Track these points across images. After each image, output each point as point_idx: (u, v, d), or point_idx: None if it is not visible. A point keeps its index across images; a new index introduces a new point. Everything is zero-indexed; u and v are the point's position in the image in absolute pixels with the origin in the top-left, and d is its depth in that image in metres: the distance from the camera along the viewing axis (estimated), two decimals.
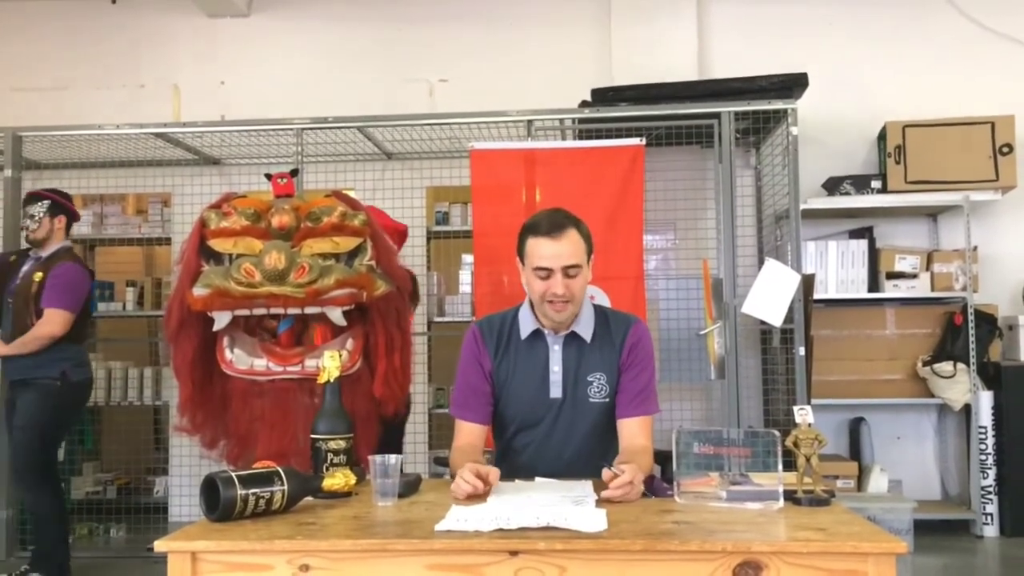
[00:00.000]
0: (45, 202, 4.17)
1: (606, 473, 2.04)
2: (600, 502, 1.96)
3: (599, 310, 2.52)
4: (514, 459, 2.49)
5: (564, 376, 2.44)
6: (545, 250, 2.34)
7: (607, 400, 2.44)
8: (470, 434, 2.46)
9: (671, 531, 1.75)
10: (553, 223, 2.36)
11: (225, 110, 5.47)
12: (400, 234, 4.00)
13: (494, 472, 2.08)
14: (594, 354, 2.45)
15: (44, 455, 4.08)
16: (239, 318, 2.87)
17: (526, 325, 2.47)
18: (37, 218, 4.13)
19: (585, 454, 2.41)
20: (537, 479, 2.27)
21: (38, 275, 4.07)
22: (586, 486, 2.12)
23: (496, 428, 2.56)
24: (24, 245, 4.29)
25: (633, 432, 2.40)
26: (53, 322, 3.97)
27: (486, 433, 2.51)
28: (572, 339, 2.46)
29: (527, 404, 2.46)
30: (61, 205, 4.21)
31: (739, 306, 4.52)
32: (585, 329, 2.45)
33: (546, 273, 2.34)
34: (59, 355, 4.04)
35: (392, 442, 3.52)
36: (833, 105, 5.37)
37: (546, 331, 2.46)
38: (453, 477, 2.33)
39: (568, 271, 2.33)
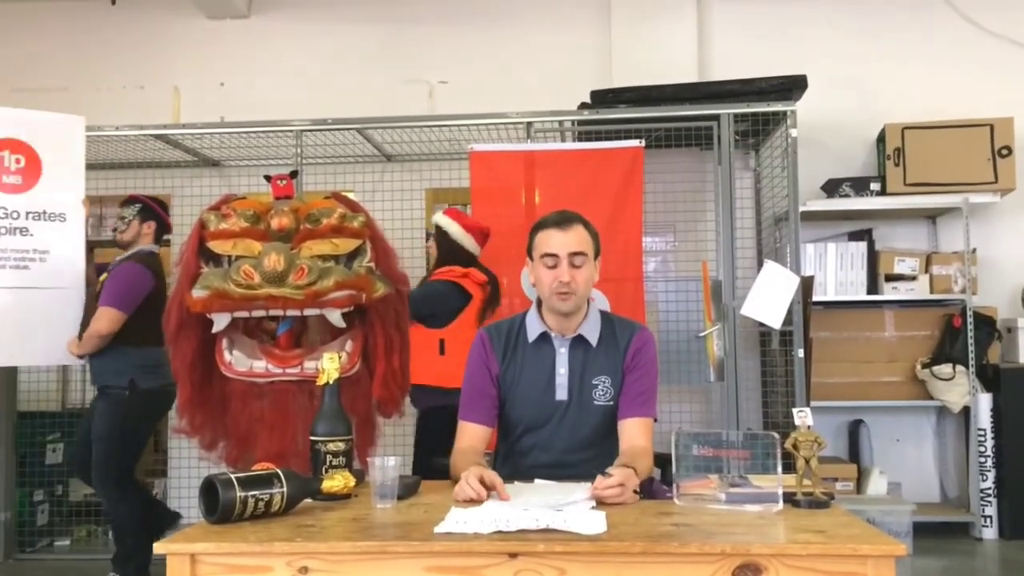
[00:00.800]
0: (137, 205, 4.14)
1: (599, 480, 2.05)
2: (599, 504, 1.96)
3: (605, 316, 2.58)
4: (518, 460, 2.52)
5: (570, 379, 2.48)
6: (553, 239, 2.44)
7: (611, 403, 2.47)
8: (472, 436, 2.49)
9: (670, 533, 1.75)
10: (562, 217, 2.49)
11: (225, 112, 5.47)
12: (482, 233, 4.03)
13: (500, 484, 2.08)
14: (599, 357, 2.49)
15: (118, 466, 4.01)
16: (238, 320, 2.86)
17: (533, 328, 2.53)
18: (127, 220, 4.11)
19: (589, 456, 2.43)
20: (536, 481, 2.28)
21: (104, 275, 4.06)
22: (586, 489, 2.12)
23: (501, 430, 2.60)
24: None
25: (634, 433, 2.42)
26: (100, 319, 3.90)
27: (489, 436, 2.54)
28: (578, 342, 2.50)
29: (533, 406, 2.49)
30: (153, 211, 4.18)
31: (738, 308, 4.52)
32: (591, 333, 2.50)
33: (553, 260, 2.42)
34: (126, 362, 3.97)
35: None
36: (832, 107, 5.37)
37: (553, 334, 2.51)
38: (454, 480, 2.35)
39: (574, 259, 2.41)
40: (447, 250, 4.00)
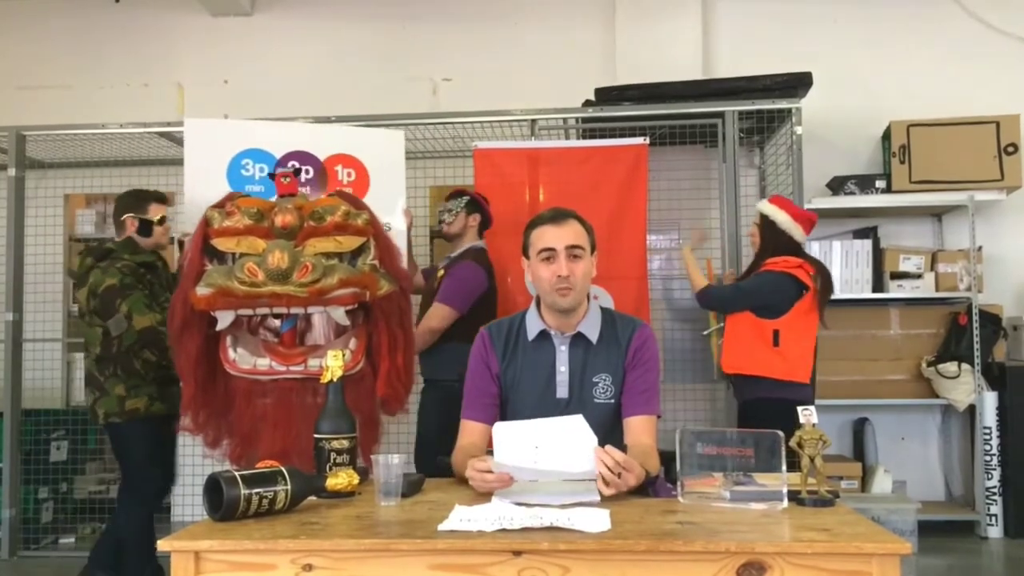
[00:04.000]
0: (464, 198, 4.13)
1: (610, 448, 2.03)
2: (603, 502, 1.96)
3: (606, 312, 2.56)
4: None
5: (571, 377, 2.47)
6: (548, 234, 2.44)
7: (612, 401, 2.46)
8: (473, 433, 2.49)
9: (675, 531, 1.75)
10: (556, 213, 2.49)
11: (229, 109, 5.47)
12: (810, 222, 3.95)
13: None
14: (600, 355, 2.48)
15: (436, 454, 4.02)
16: (242, 317, 2.87)
17: (533, 327, 2.52)
18: (454, 212, 4.10)
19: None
20: (538, 422, 2.24)
21: (441, 272, 4.07)
22: (590, 486, 2.11)
23: None
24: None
25: (639, 430, 2.41)
26: (431, 316, 3.91)
27: (490, 434, 2.52)
28: (579, 340, 2.49)
29: (534, 404, 2.48)
30: (478, 204, 4.17)
31: None
32: (591, 330, 2.49)
33: (550, 254, 2.41)
34: (456, 356, 3.93)
35: None
36: (837, 104, 5.36)
37: (553, 332, 2.49)
38: (457, 477, 2.35)
39: (572, 252, 2.41)
40: (772, 239, 3.90)
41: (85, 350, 3.87)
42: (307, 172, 3.82)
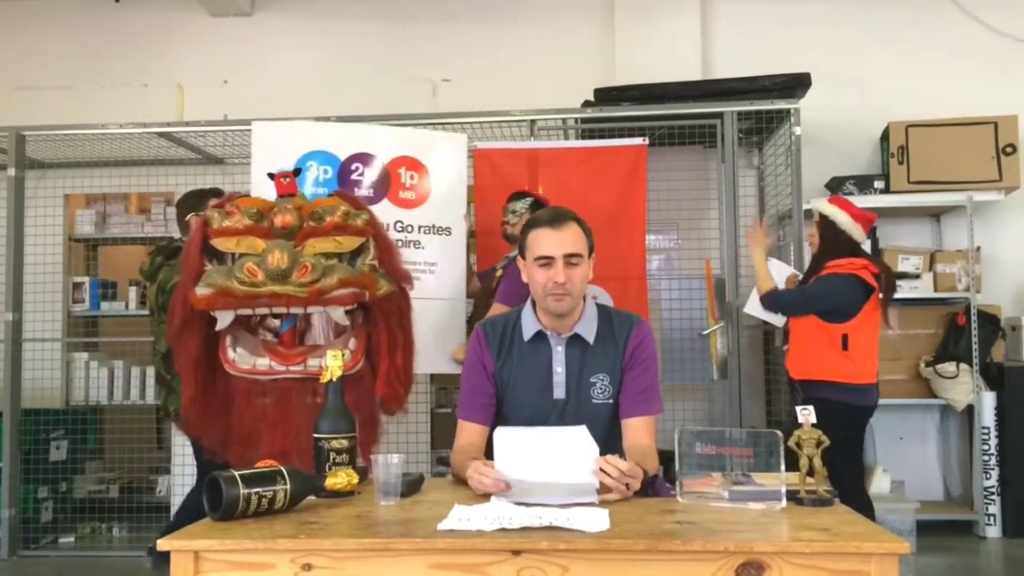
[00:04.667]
0: (529, 199, 4.13)
1: (612, 458, 2.02)
2: (602, 502, 1.96)
3: (602, 310, 2.53)
4: None
5: (567, 377, 2.45)
6: (546, 239, 2.39)
7: (610, 401, 2.44)
8: (471, 434, 2.46)
9: (673, 531, 1.75)
10: (554, 216, 2.43)
11: (228, 109, 5.47)
12: (869, 222, 3.94)
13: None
14: (597, 355, 2.45)
15: None
16: (242, 317, 2.87)
17: (528, 327, 2.49)
18: (518, 214, 4.09)
19: None
20: (539, 429, 2.25)
21: (499, 273, 4.08)
22: (589, 487, 2.12)
23: None
24: None
25: (637, 432, 2.40)
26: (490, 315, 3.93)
27: (487, 434, 2.50)
28: (575, 340, 2.46)
29: (531, 406, 2.46)
30: (543, 205, 4.13)
31: (741, 306, 4.52)
32: (588, 331, 2.46)
33: (547, 261, 2.37)
34: None
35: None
36: (836, 105, 5.37)
37: (549, 333, 2.47)
38: (456, 477, 2.35)
39: (569, 259, 2.37)
40: (832, 240, 3.89)
41: (153, 348, 3.89)
42: (370, 174, 3.86)
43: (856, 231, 3.89)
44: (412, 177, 3.95)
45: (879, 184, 5.18)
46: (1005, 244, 5.38)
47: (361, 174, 3.87)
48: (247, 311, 2.82)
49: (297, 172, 3.19)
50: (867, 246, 4.14)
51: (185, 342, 2.89)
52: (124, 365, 5.48)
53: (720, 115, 4.67)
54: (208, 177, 5.26)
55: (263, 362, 2.82)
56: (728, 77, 5.09)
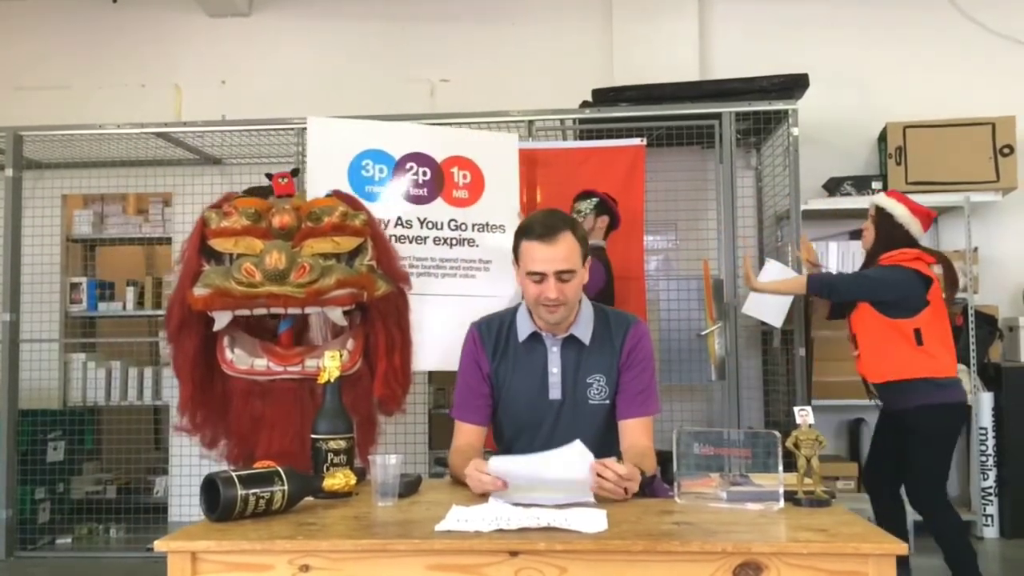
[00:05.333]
0: (594, 199, 4.14)
1: (609, 461, 2.01)
2: (600, 502, 1.96)
3: (599, 310, 2.50)
4: None
5: (563, 378, 2.43)
6: (538, 254, 2.32)
7: (607, 402, 2.43)
8: (468, 435, 2.45)
9: (671, 532, 1.75)
10: (547, 226, 2.33)
11: (226, 110, 5.47)
12: (929, 217, 3.83)
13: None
14: (593, 356, 2.44)
15: None
16: (240, 318, 2.87)
17: (524, 328, 2.46)
18: (583, 214, 4.11)
19: None
20: (531, 455, 2.22)
21: None
22: (587, 487, 2.12)
23: (496, 433, 2.55)
24: None
25: (635, 433, 2.39)
26: None
27: (485, 434, 2.50)
28: (571, 341, 2.44)
29: (526, 406, 2.44)
30: (607, 206, 4.17)
31: (739, 307, 4.52)
32: (584, 331, 2.44)
33: (539, 277, 2.32)
34: None
35: None
36: (834, 106, 5.37)
37: (544, 334, 2.45)
38: (453, 478, 2.35)
39: (561, 276, 2.31)
40: (887, 234, 3.77)
41: None
42: (424, 173, 3.89)
43: (914, 226, 3.75)
44: (465, 176, 3.97)
45: (877, 185, 5.18)
46: (1003, 245, 5.38)
47: (415, 173, 3.89)
48: (245, 311, 2.83)
49: (295, 172, 3.19)
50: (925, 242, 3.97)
51: (183, 342, 2.89)
52: (121, 366, 5.47)
53: (718, 116, 4.67)
54: (206, 178, 5.27)
55: (261, 363, 2.82)
56: (726, 78, 5.09)
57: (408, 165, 3.85)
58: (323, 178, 3.77)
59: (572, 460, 2.01)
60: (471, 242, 3.94)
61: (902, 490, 3.90)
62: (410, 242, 3.82)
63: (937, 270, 3.74)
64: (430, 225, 3.87)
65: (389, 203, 3.80)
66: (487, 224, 4.00)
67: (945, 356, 3.66)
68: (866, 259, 3.90)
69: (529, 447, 2.44)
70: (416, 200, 3.87)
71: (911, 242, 3.75)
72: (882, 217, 3.81)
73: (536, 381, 2.44)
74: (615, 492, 1.98)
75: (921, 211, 3.79)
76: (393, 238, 3.83)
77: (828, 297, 3.94)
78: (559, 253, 2.30)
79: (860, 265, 3.99)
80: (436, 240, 3.87)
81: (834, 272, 4.11)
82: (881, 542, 1.68)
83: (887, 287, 3.67)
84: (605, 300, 4.02)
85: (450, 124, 4.82)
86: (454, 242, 3.84)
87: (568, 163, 4.53)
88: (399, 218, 3.82)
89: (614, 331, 2.45)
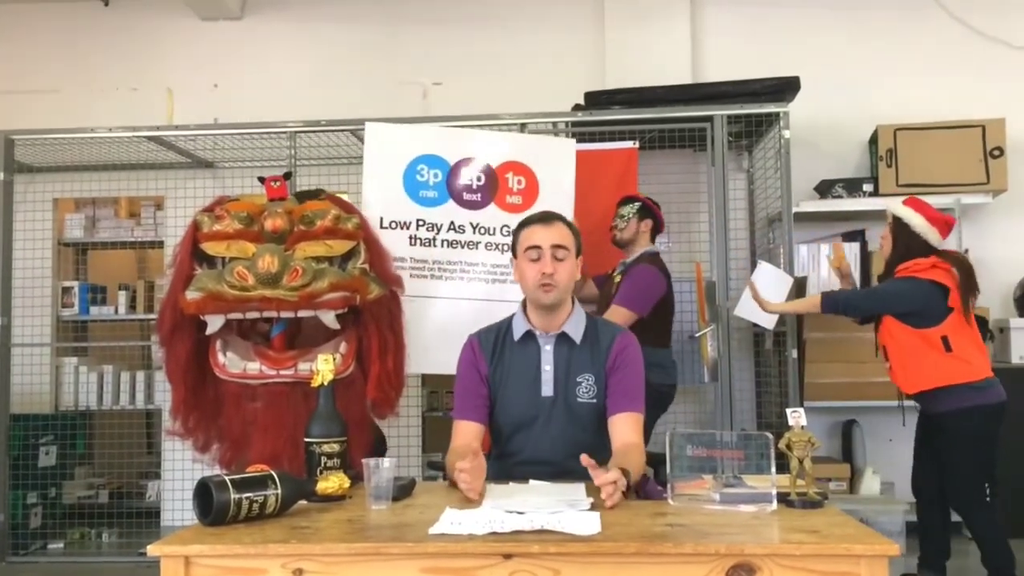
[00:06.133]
0: (637, 204, 4.14)
1: (584, 458, 2.02)
2: (594, 505, 1.97)
3: (590, 316, 2.63)
4: (510, 461, 2.55)
5: (555, 375, 2.52)
6: (535, 233, 2.53)
7: (595, 401, 2.50)
8: (466, 434, 2.51)
9: (664, 534, 1.76)
10: (544, 215, 2.61)
11: (218, 113, 5.47)
12: (948, 225, 3.78)
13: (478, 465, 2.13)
14: (584, 355, 2.53)
15: None
16: (232, 322, 2.86)
17: (519, 328, 2.58)
18: (626, 218, 4.11)
19: (578, 454, 2.41)
20: (531, 482, 2.28)
21: (618, 278, 4.07)
22: (579, 489, 2.12)
23: (493, 433, 2.62)
24: None
25: (624, 429, 2.44)
26: (613, 318, 3.84)
27: (482, 434, 2.55)
28: (563, 340, 2.54)
29: (521, 403, 2.53)
30: (650, 210, 4.17)
31: (732, 309, 4.53)
32: (575, 329, 2.55)
33: (536, 253, 2.49)
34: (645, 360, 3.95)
35: None
36: (825, 109, 5.38)
37: (538, 332, 2.55)
38: (449, 480, 2.36)
39: (557, 252, 2.48)
40: (905, 243, 3.74)
41: None
42: (478, 178, 3.91)
43: (932, 234, 3.71)
44: (520, 182, 3.98)
45: (868, 187, 5.20)
46: (993, 246, 5.40)
47: (470, 178, 3.92)
48: (237, 315, 2.82)
49: (287, 176, 3.19)
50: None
51: (175, 346, 2.89)
52: (114, 370, 5.45)
53: (710, 119, 4.68)
54: (199, 181, 5.26)
55: (254, 366, 2.82)
56: (718, 81, 5.10)
57: (463, 170, 3.88)
58: (378, 183, 3.82)
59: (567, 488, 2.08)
60: None
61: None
62: (462, 247, 3.87)
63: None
64: (483, 231, 3.91)
65: (443, 208, 3.84)
66: None
67: (977, 358, 3.64)
68: (884, 269, 3.90)
69: (524, 446, 2.49)
70: (470, 205, 3.91)
71: (929, 251, 3.71)
72: (899, 227, 3.78)
73: (530, 378, 2.53)
74: (610, 499, 2.00)
75: (940, 219, 3.76)
76: (445, 243, 3.86)
77: (845, 315, 3.96)
78: (555, 232, 2.52)
79: (880, 274, 3.99)
80: (488, 246, 3.89)
81: (856, 285, 4.12)
82: (873, 543, 1.69)
83: (902, 300, 3.67)
84: (667, 310, 4.07)
85: (442, 127, 4.83)
86: (506, 248, 3.84)
87: None
88: (452, 223, 3.86)
89: (602, 336, 2.56)
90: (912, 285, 3.66)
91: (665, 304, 4.09)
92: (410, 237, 3.89)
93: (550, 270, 2.46)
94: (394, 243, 3.96)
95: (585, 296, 4.26)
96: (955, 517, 5.00)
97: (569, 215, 3.99)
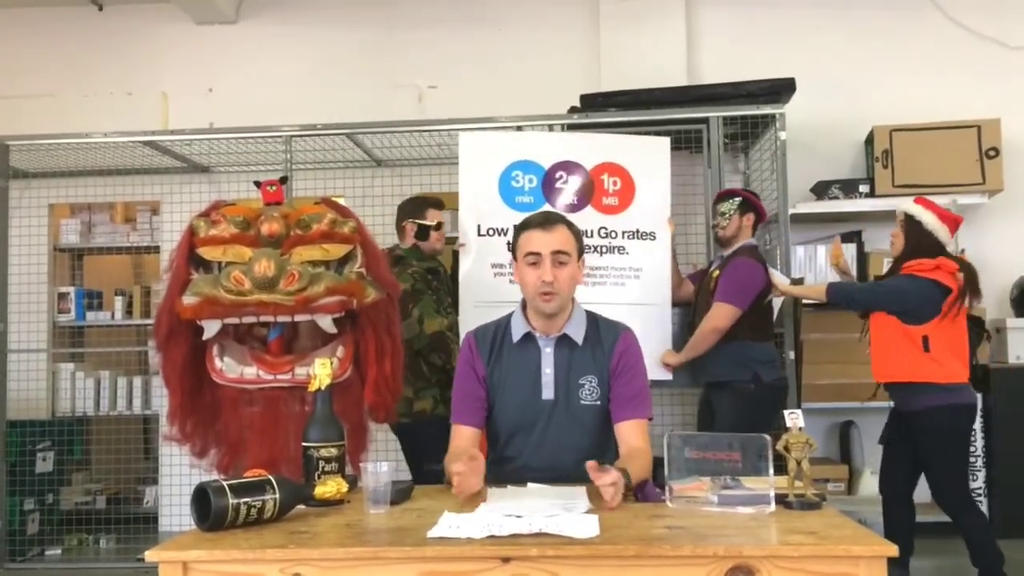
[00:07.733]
0: (736, 199, 4.10)
1: (590, 464, 2.03)
2: (593, 508, 1.96)
3: (591, 315, 2.57)
4: (508, 465, 2.51)
5: (556, 378, 2.48)
6: (536, 238, 2.45)
7: (598, 403, 2.47)
8: (463, 438, 2.50)
9: (663, 536, 1.76)
10: (545, 218, 2.52)
11: (213, 117, 5.46)
12: (956, 223, 3.84)
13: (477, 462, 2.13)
14: (586, 356, 2.49)
15: None
16: (229, 326, 2.86)
17: (518, 329, 2.53)
18: (727, 215, 4.07)
19: (579, 458, 2.40)
20: (529, 485, 2.27)
21: (716, 272, 4.04)
22: (578, 492, 2.12)
23: (490, 435, 2.59)
24: None
25: (631, 435, 2.43)
26: (714, 316, 3.87)
27: (480, 437, 2.54)
28: (563, 341, 2.50)
29: (520, 406, 2.49)
30: (751, 203, 4.14)
31: None
32: (576, 331, 2.50)
33: (536, 258, 2.43)
34: (748, 355, 3.92)
35: None
36: (821, 110, 5.39)
37: (537, 334, 2.51)
38: (448, 483, 2.35)
39: (558, 257, 2.42)
40: (915, 241, 3.81)
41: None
42: (574, 181, 3.91)
43: (942, 232, 3.79)
44: (615, 183, 3.97)
45: (864, 188, 5.21)
46: (989, 247, 5.41)
47: (565, 182, 3.93)
48: (234, 320, 2.82)
49: (284, 180, 3.18)
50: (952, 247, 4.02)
51: (171, 351, 2.88)
52: (110, 375, 5.45)
53: (706, 120, 4.69)
54: (195, 186, 5.26)
55: (251, 371, 2.81)
56: (714, 83, 5.10)
57: (558, 174, 3.89)
58: (474, 190, 3.84)
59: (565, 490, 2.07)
60: (621, 250, 3.93)
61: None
62: None
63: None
64: None
65: None
66: (637, 231, 3.99)
67: (952, 363, 3.70)
68: (892, 265, 3.96)
69: (522, 448, 2.48)
70: (566, 209, 3.91)
71: (939, 249, 3.78)
72: (911, 224, 3.84)
73: (529, 381, 2.49)
74: (611, 500, 2.01)
75: (949, 217, 3.84)
76: None
77: (847, 307, 4.03)
78: (556, 237, 2.44)
79: (886, 270, 4.05)
80: (586, 248, 3.88)
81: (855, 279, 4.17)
82: (871, 544, 1.69)
83: (900, 298, 3.74)
84: (767, 305, 4.02)
85: (437, 131, 4.84)
86: (604, 250, 3.83)
87: None
88: None
89: (604, 335, 2.52)
90: (912, 283, 3.71)
91: (765, 296, 4.04)
92: (508, 243, 3.87)
93: (550, 278, 2.40)
94: (492, 250, 3.98)
95: (682, 297, 4.24)
96: (945, 518, 5.02)
97: (666, 214, 3.97)
